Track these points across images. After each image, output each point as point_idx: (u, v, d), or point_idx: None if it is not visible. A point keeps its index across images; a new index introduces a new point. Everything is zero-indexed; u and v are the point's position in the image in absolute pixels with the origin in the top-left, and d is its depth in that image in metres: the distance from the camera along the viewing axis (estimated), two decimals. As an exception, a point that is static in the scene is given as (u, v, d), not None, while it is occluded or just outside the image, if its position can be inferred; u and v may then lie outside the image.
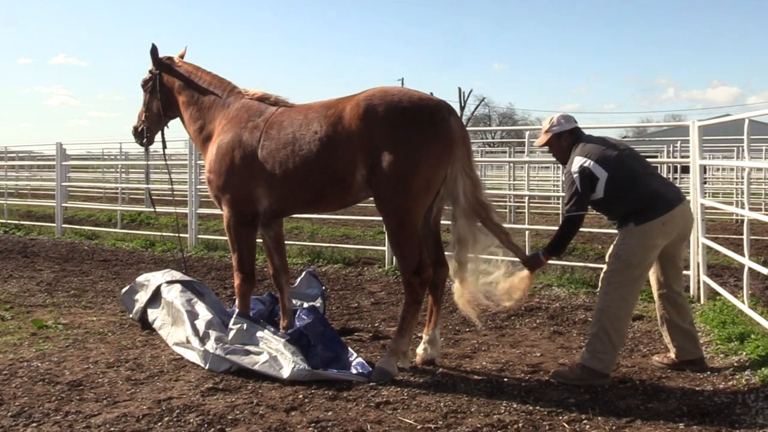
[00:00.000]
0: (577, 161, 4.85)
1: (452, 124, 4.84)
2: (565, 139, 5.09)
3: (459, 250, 5.02)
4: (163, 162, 6.89)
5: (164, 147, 6.64)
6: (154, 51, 6.13)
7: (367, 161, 4.79)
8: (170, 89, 6.09)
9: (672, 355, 5.13)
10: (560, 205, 13.02)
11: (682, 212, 4.85)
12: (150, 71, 6.19)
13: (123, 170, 21.25)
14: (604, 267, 4.93)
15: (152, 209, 7.65)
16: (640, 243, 4.75)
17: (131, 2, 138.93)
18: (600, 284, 4.91)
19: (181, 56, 6.26)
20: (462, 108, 64.73)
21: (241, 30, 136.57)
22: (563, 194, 5.09)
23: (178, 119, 6.27)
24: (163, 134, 6.46)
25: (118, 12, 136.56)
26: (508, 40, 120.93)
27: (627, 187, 4.79)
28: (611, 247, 4.94)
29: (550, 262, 5.61)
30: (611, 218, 5.03)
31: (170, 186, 7.53)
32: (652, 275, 5.12)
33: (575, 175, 4.81)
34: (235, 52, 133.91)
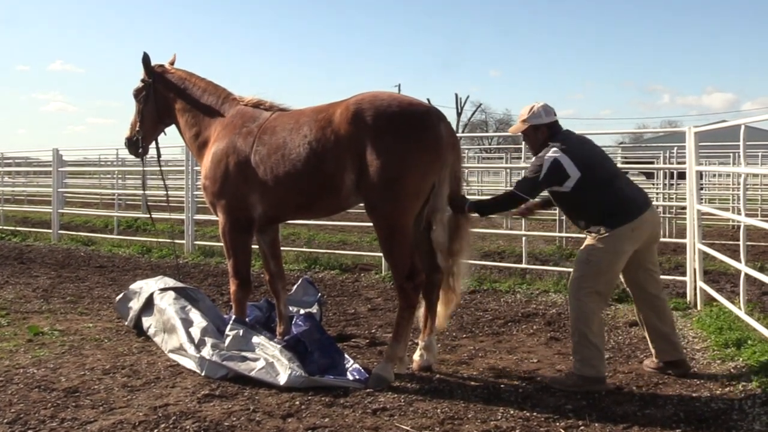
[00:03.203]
0: (553, 151, 4.76)
1: (441, 131, 4.84)
2: (542, 132, 4.96)
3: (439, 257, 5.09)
4: (159, 168, 6.83)
5: (159, 156, 6.59)
6: (146, 59, 6.06)
7: (356, 166, 4.79)
8: (165, 97, 6.04)
9: (654, 358, 5.15)
10: (557, 210, 13.02)
11: (651, 217, 4.88)
12: (142, 80, 6.12)
13: (119, 176, 21.23)
14: (573, 272, 4.90)
15: (149, 216, 7.59)
16: (610, 248, 4.73)
17: (129, 10, 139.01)
18: (570, 290, 4.88)
19: (171, 63, 6.24)
20: (459, 114, 64.96)
21: (238, 34, 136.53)
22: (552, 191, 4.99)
23: (172, 127, 6.25)
24: (157, 143, 6.43)
25: (116, 19, 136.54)
26: (504, 46, 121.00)
27: (602, 187, 4.76)
28: (579, 251, 4.90)
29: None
30: (580, 218, 4.94)
31: (165, 193, 7.51)
32: (628, 281, 5.12)
33: (546, 164, 4.73)
34: (231, 56, 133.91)
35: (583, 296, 4.76)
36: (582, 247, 4.90)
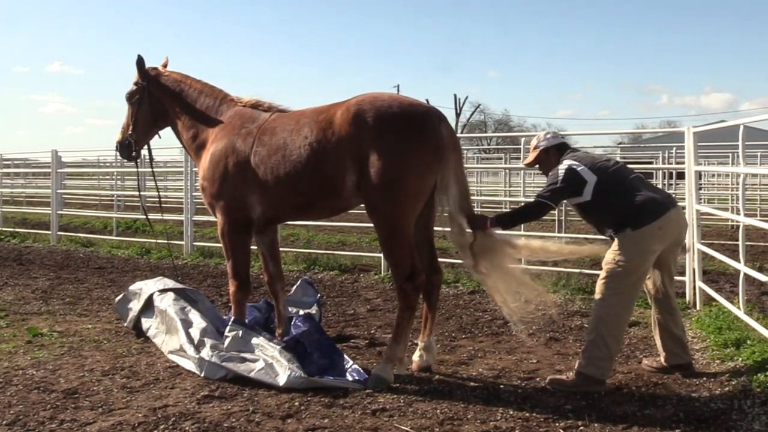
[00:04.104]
0: (566, 162, 4.93)
1: (441, 131, 4.84)
2: (554, 154, 5.13)
3: (478, 259, 4.96)
4: (158, 169, 6.82)
5: (151, 159, 6.54)
6: (140, 62, 6.01)
7: (357, 167, 4.79)
8: (160, 100, 6.00)
9: (662, 359, 5.14)
10: (556, 212, 13.03)
11: (676, 216, 4.87)
12: (135, 83, 6.06)
13: (118, 177, 21.22)
14: (601, 273, 4.91)
15: (146, 218, 7.54)
16: (638, 248, 4.75)
17: (128, 10, 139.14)
18: (596, 290, 4.88)
19: (164, 66, 6.21)
20: (458, 115, 65.02)
21: (237, 35, 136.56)
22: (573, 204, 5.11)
23: (167, 129, 6.22)
24: (149, 146, 6.36)
25: (115, 20, 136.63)
26: (502, 47, 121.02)
27: (619, 190, 4.80)
28: (607, 253, 4.92)
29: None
30: (604, 226, 4.97)
31: (158, 195, 7.51)
32: (649, 281, 5.12)
33: (561, 171, 4.88)
34: (231, 56, 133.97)
35: (609, 297, 4.76)
36: (609, 249, 4.89)
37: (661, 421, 4.14)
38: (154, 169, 7.16)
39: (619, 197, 4.80)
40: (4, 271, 10.31)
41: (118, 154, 6.38)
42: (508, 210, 5.19)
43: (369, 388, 4.73)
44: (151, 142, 6.37)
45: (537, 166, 5.39)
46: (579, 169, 4.83)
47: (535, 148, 5.24)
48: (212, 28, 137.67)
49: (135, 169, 6.41)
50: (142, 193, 7.91)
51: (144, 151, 6.41)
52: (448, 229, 5.06)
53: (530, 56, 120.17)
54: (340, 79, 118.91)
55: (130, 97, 6.09)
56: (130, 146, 6.13)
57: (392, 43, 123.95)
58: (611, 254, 4.83)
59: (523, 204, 5.10)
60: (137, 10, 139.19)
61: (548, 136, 5.27)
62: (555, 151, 5.15)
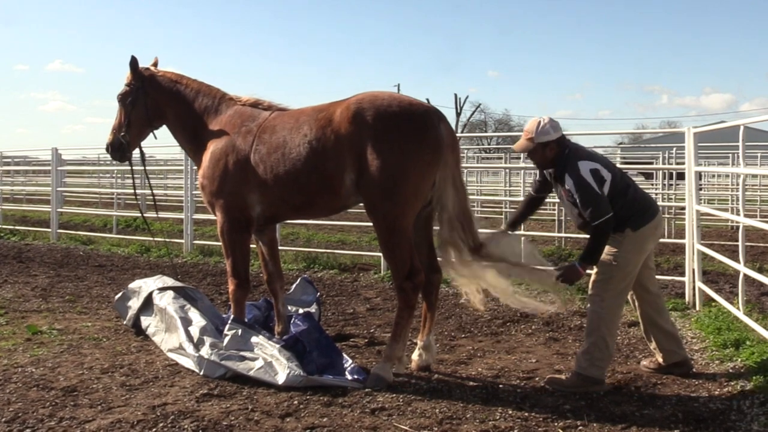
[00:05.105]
0: (584, 165, 4.66)
1: (441, 131, 4.84)
2: (551, 149, 4.78)
3: (447, 254, 5.04)
4: (159, 167, 6.80)
5: (143, 158, 6.45)
6: (134, 63, 5.92)
7: (356, 165, 4.79)
8: (156, 100, 5.91)
9: (659, 359, 5.14)
10: (556, 211, 13.02)
11: (661, 216, 4.99)
12: (128, 84, 5.94)
13: (118, 175, 21.19)
14: (595, 274, 4.87)
15: (143, 219, 7.49)
16: (636, 248, 4.75)
17: (129, 9, 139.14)
18: (592, 291, 4.84)
19: (154, 65, 6.12)
20: (458, 114, 64.96)
21: (237, 34, 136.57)
22: (570, 203, 4.84)
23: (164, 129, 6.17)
24: (140, 146, 6.25)
25: (115, 19, 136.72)
26: (502, 47, 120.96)
27: (623, 190, 4.78)
28: None
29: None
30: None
31: (152, 194, 7.44)
32: (635, 282, 5.10)
33: (589, 179, 4.62)
34: (231, 55, 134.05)
35: (609, 298, 4.76)
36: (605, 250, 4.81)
37: (660, 421, 4.14)
38: (147, 168, 7.06)
39: (625, 197, 4.76)
40: (3, 268, 10.31)
41: (109, 155, 6.27)
42: (586, 250, 4.80)
43: (368, 387, 4.73)
44: (151, 141, 6.34)
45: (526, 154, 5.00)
46: (599, 167, 4.68)
47: (533, 139, 4.78)
48: (212, 28, 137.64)
49: (135, 168, 6.33)
50: (139, 192, 7.88)
51: (135, 151, 6.32)
52: (438, 228, 5.07)
53: (530, 56, 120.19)
54: (340, 79, 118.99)
55: (123, 98, 5.94)
56: (122, 147, 5.98)
57: (392, 43, 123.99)
58: (608, 255, 4.79)
59: (591, 237, 4.73)
60: (138, 10, 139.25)
61: (549, 129, 4.75)
62: (555, 145, 4.77)
